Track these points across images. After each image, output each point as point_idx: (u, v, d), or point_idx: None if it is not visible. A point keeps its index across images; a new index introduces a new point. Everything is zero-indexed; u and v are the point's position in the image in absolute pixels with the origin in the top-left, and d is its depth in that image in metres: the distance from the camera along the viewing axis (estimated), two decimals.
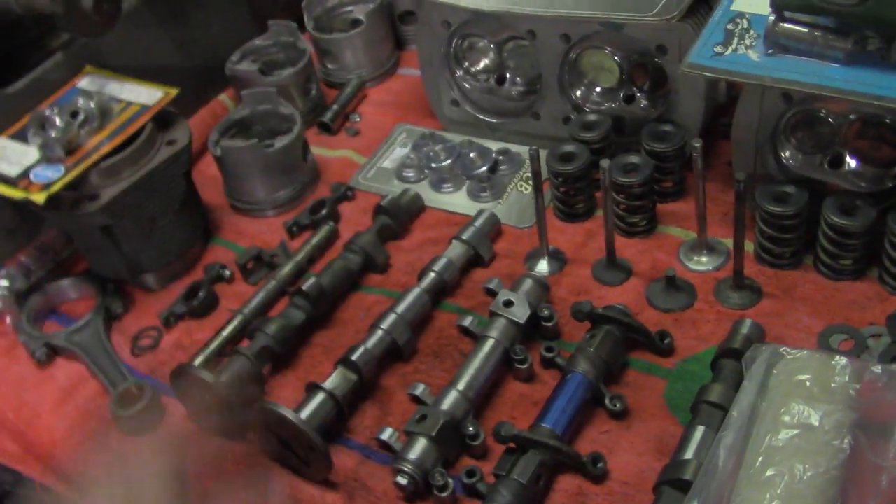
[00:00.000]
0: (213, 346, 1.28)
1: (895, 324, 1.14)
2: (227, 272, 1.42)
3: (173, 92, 1.39)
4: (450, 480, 1.06)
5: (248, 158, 1.47)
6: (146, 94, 1.39)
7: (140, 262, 1.39)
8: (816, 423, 0.95)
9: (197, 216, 1.46)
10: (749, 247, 1.27)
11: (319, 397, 1.15)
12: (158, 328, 1.37)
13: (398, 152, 1.59)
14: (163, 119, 1.39)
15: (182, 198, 1.40)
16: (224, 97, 1.74)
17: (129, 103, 1.38)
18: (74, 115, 1.33)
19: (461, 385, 1.13)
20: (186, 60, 1.68)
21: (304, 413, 1.13)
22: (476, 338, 1.22)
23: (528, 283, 1.25)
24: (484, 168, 1.50)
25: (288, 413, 1.09)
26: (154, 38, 1.62)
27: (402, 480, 1.07)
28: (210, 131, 1.56)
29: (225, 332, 1.30)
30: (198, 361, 1.25)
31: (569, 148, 1.37)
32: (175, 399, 1.24)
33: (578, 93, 1.46)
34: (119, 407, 1.23)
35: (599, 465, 1.06)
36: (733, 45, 1.18)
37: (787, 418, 0.97)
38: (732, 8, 1.23)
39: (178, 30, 1.66)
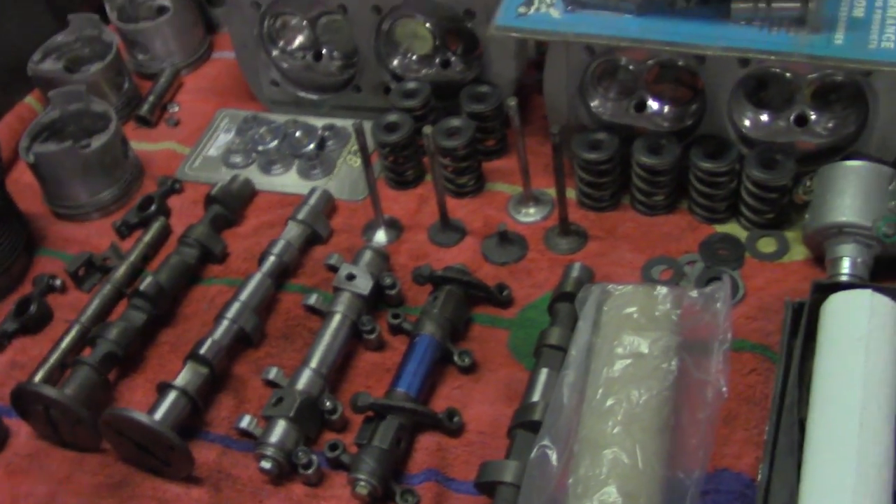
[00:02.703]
0: (52, 359, 1.24)
1: (706, 250, 1.24)
2: (58, 282, 1.37)
3: None
4: (313, 457, 1.08)
5: (64, 162, 1.41)
6: None
7: None
8: (646, 351, 1.03)
9: (17, 228, 1.40)
10: (571, 194, 1.34)
11: (172, 395, 1.14)
12: None
13: (222, 139, 1.57)
14: None
15: None
16: (30, 100, 1.66)
17: None
18: None
19: (314, 363, 1.15)
20: None
21: (158, 414, 1.11)
22: (323, 315, 1.23)
23: (368, 255, 1.27)
24: (311, 146, 1.50)
25: (140, 416, 1.08)
26: None
27: (266, 465, 1.08)
28: (20, 137, 1.49)
29: (63, 344, 1.26)
30: (38, 377, 1.21)
31: (392, 118, 1.39)
32: (19, 419, 1.19)
33: (395, 62, 1.49)
34: None
35: (455, 419, 1.10)
36: (535, 5, 1.23)
37: (619, 350, 1.04)
38: None
39: None
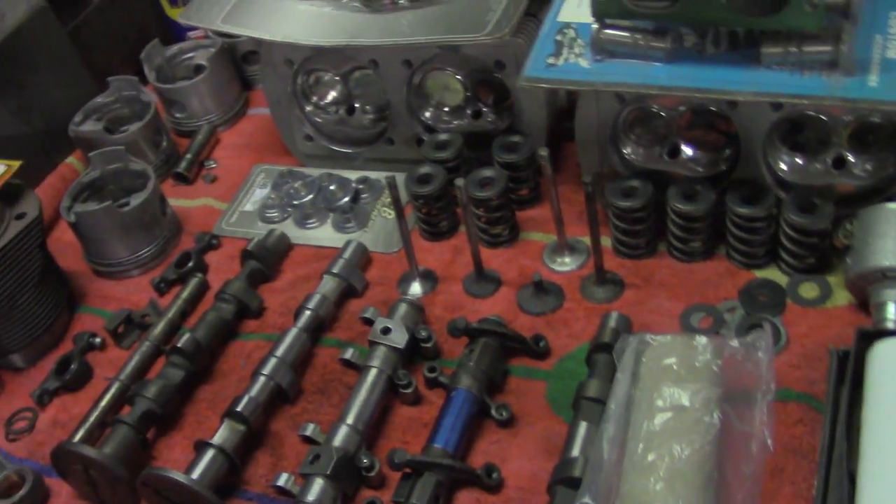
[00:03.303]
0: (92, 418, 1.25)
1: (746, 296, 1.22)
2: (98, 339, 1.39)
3: (16, 165, 1.35)
4: None
5: (104, 221, 1.44)
6: None
7: (4, 343, 1.34)
8: (687, 403, 1.01)
9: (58, 287, 1.42)
10: (606, 241, 1.33)
11: (209, 454, 1.14)
12: (32, 408, 1.32)
13: (258, 194, 1.59)
14: (9, 192, 1.35)
15: (39, 271, 1.35)
16: (72, 160, 1.70)
17: None
18: None
19: (350, 419, 1.14)
20: (26, 128, 1.63)
21: (195, 473, 1.11)
22: (359, 369, 1.23)
23: (402, 308, 1.27)
24: (345, 199, 1.51)
25: (178, 476, 1.08)
26: None
27: None
28: (62, 197, 1.52)
29: (103, 402, 1.27)
30: (78, 436, 1.22)
31: (425, 170, 1.40)
32: (60, 478, 1.20)
33: (427, 114, 1.50)
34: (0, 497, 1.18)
35: (494, 475, 1.09)
36: (564, 55, 1.23)
37: (660, 402, 1.02)
38: (559, 19, 1.28)
39: (13, 98, 1.61)
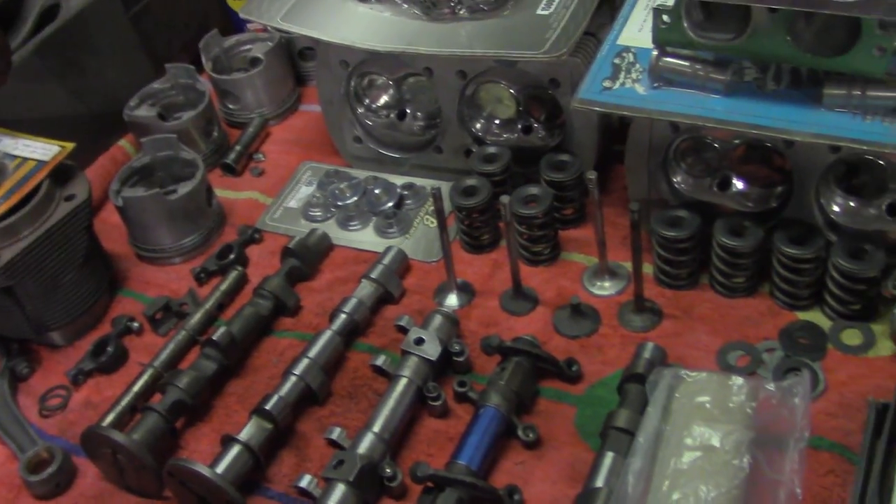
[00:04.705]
0: (123, 402, 1.26)
1: (787, 338, 1.20)
2: (136, 324, 1.40)
3: (69, 146, 1.37)
4: None
5: (151, 207, 1.45)
6: (41, 150, 1.37)
7: (44, 320, 1.37)
8: (717, 445, 1.00)
9: (101, 269, 1.44)
10: (648, 268, 1.32)
11: (235, 450, 1.15)
12: (67, 387, 1.35)
13: (304, 191, 1.60)
14: (60, 173, 1.37)
15: (84, 252, 1.37)
16: (124, 142, 1.72)
17: (25, 159, 1.36)
18: None
19: (377, 427, 1.15)
20: (83, 109, 1.66)
21: (220, 467, 1.12)
22: (390, 377, 1.23)
23: (437, 320, 1.27)
24: (390, 204, 1.51)
25: (203, 469, 1.09)
26: (48, 89, 1.59)
27: None
28: (112, 178, 1.54)
29: (136, 388, 1.28)
30: (109, 420, 1.24)
31: (471, 182, 1.39)
32: (87, 459, 1.22)
33: (478, 125, 1.50)
34: (29, 472, 1.20)
35: (515, 496, 1.08)
36: (621, 80, 1.22)
37: (689, 441, 1.01)
38: (619, 42, 1.27)
39: (73, 79, 1.63)
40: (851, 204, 1.21)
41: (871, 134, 1.07)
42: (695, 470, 0.98)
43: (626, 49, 1.26)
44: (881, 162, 1.17)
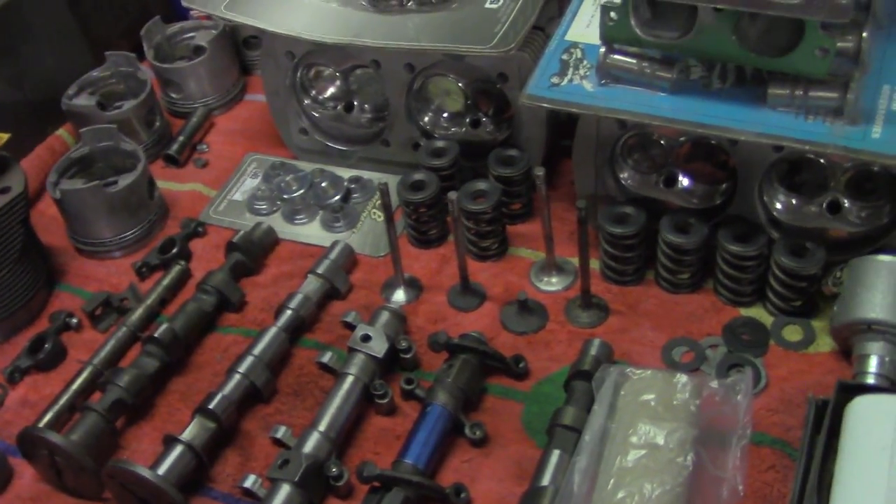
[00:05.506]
0: (62, 401, 1.23)
1: (730, 334, 1.22)
2: (75, 320, 1.37)
3: (4, 136, 1.33)
4: None
5: (90, 200, 1.42)
6: None
7: None
8: (661, 443, 1.00)
9: (38, 263, 1.40)
10: (595, 264, 1.32)
11: (177, 450, 1.12)
12: (3, 385, 1.31)
13: (249, 183, 1.57)
14: None
15: (20, 246, 1.33)
16: (62, 132, 1.67)
17: None
18: None
19: (322, 426, 1.13)
20: (19, 97, 1.61)
21: (162, 468, 1.10)
22: (336, 374, 1.22)
23: (385, 316, 1.26)
24: (336, 197, 1.50)
25: (143, 471, 1.06)
26: None
27: None
28: (49, 169, 1.50)
29: (74, 386, 1.25)
30: (46, 419, 1.21)
31: (419, 176, 1.38)
32: (24, 460, 1.18)
33: (426, 118, 1.48)
34: None
35: (462, 495, 1.08)
36: (569, 76, 1.22)
37: (634, 439, 1.02)
38: (567, 38, 1.27)
39: (8, 65, 1.58)
40: (793, 202, 1.23)
41: (814, 134, 1.09)
42: (639, 468, 0.99)
43: (574, 45, 1.26)
44: (822, 161, 1.19)
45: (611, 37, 1.17)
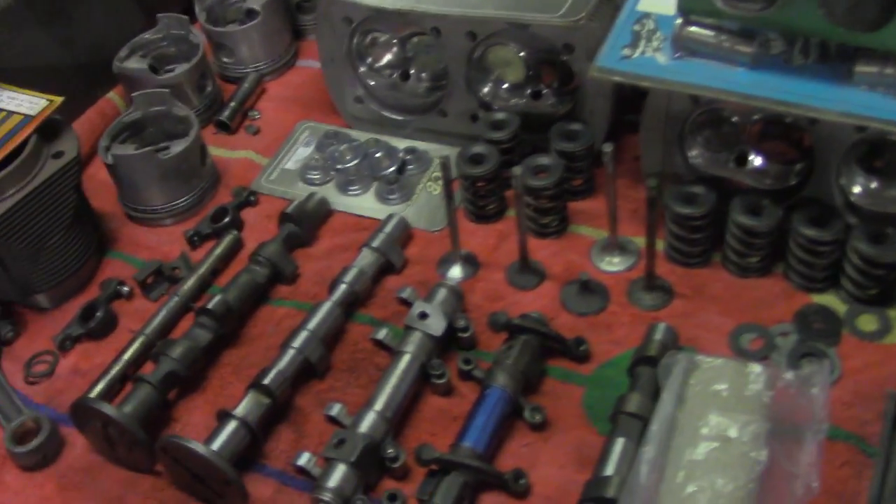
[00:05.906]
0: (113, 371, 1.22)
1: (801, 321, 1.17)
2: (126, 288, 1.35)
3: (58, 100, 1.30)
4: None
5: (142, 166, 1.39)
6: (28, 103, 1.30)
7: (30, 282, 1.31)
8: (735, 435, 0.97)
9: (90, 229, 1.38)
10: (659, 244, 1.27)
11: (231, 426, 1.10)
12: (54, 352, 1.29)
13: (301, 152, 1.54)
14: (48, 128, 1.31)
15: (73, 212, 1.31)
16: (113, 95, 1.65)
17: (10, 113, 1.29)
18: None
19: (378, 405, 1.11)
20: (70, 59, 1.59)
21: (216, 444, 1.08)
22: (392, 352, 1.19)
23: (442, 293, 1.22)
24: (392, 168, 1.46)
25: (198, 447, 1.05)
26: (33, 38, 1.52)
27: None
28: (100, 134, 1.48)
29: (126, 356, 1.24)
30: (98, 389, 1.19)
31: (478, 149, 1.34)
32: (76, 429, 1.17)
33: (485, 89, 1.44)
34: (14, 443, 1.16)
35: (521, 481, 1.05)
36: (640, 48, 1.17)
37: (705, 430, 0.98)
38: (638, 8, 1.22)
39: (60, 28, 1.56)
40: (873, 185, 1.17)
41: None
42: (711, 461, 0.95)
43: (646, 15, 1.21)
44: None
45: (688, 8, 1.11)
